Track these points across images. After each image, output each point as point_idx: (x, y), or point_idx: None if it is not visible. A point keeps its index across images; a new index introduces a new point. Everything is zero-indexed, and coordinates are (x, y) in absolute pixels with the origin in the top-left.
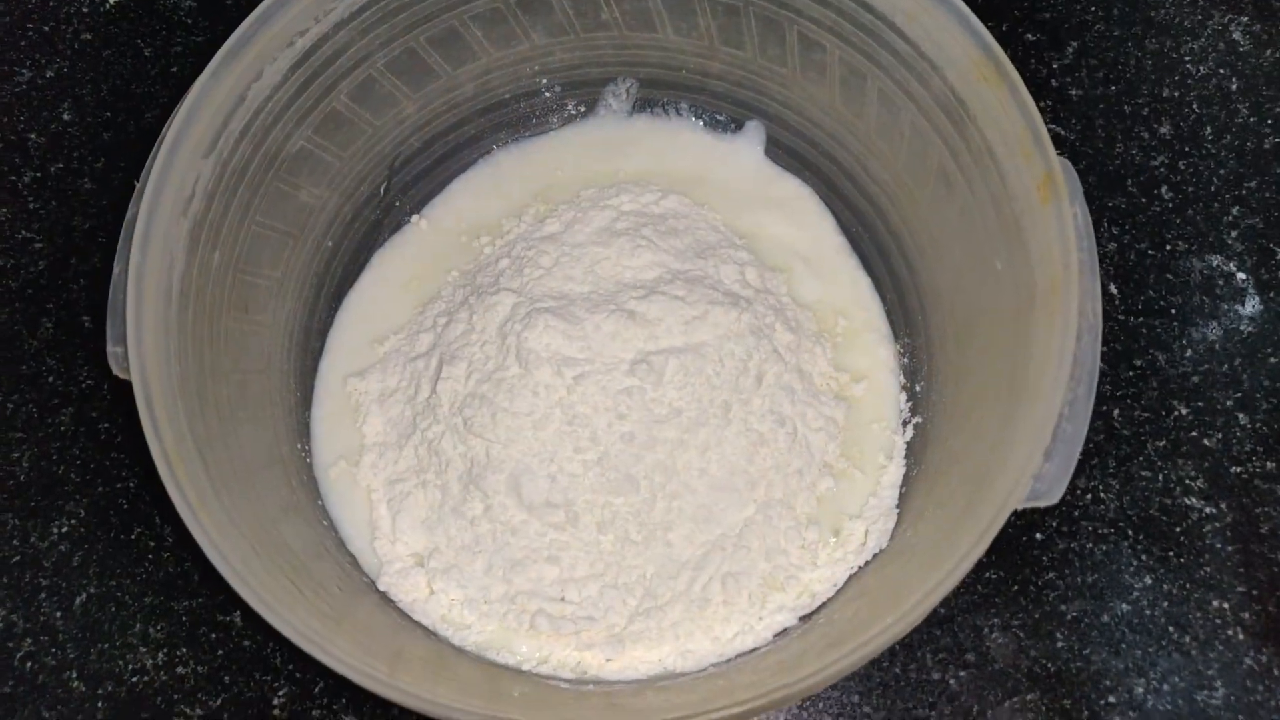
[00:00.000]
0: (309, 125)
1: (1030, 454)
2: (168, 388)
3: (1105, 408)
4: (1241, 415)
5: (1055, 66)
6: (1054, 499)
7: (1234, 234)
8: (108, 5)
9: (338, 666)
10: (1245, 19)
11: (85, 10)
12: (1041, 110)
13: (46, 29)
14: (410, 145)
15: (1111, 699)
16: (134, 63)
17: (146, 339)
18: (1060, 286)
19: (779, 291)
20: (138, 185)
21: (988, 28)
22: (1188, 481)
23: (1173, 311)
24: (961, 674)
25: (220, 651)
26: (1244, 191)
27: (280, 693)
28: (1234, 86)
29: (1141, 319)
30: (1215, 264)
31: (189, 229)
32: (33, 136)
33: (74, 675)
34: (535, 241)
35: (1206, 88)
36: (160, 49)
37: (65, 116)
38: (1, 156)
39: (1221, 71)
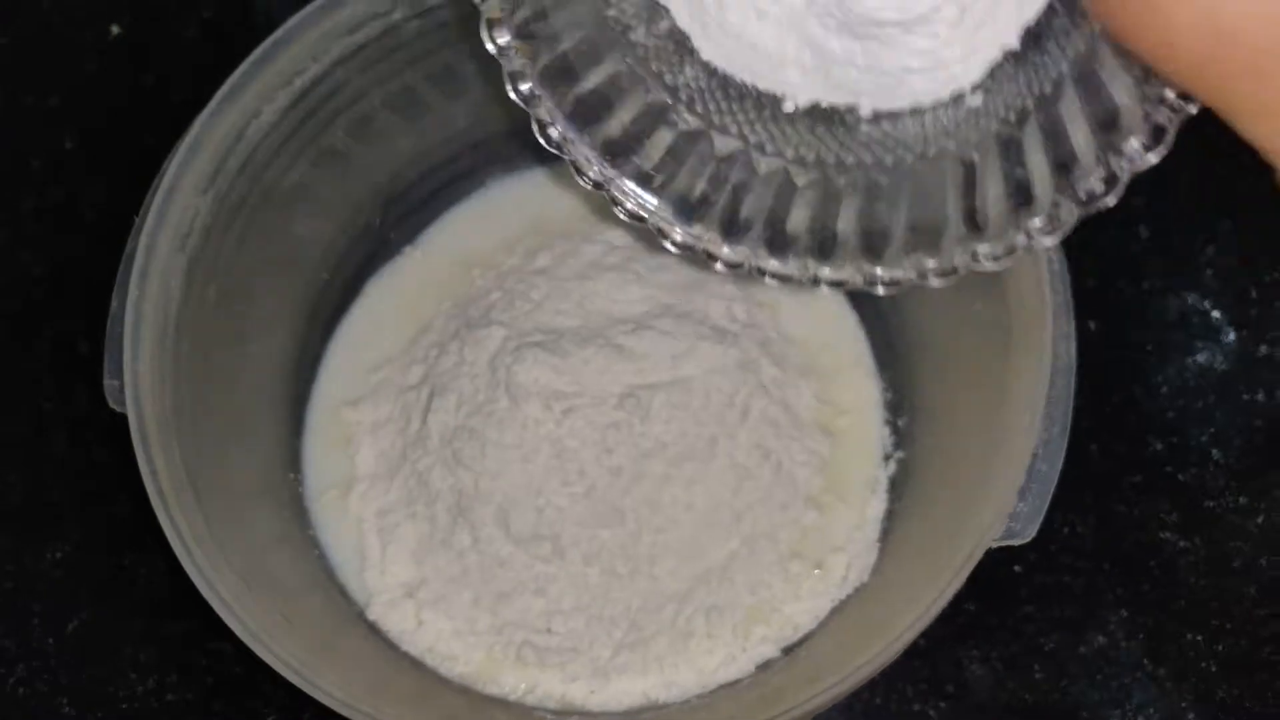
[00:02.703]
0: (306, 160)
1: (1005, 493)
2: (163, 422)
3: (1083, 443)
4: (1215, 451)
5: None
6: (1028, 537)
7: (1210, 272)
8: (111, 35)
9: (328, 701)
10: None
11: (89, 39)
12: None
13: (51, 57)
14: (405, 179)
15: None
16: (136, 92)
17: (142, 374)
18: (1035, 329)
19: (766, 326)
20: (137, 220)
21: None
22: (1163, 516)
23: (1149, 348)
24: (941, 705)
25: (210, 677)
26: (1220, 231)
27: (269, 718)
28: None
29: (1121, 353)
30: (1191, 301)
31: (186, 265)
32: (34, 162)
33: (65, 701)
34: (526, 275)
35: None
36: (162, 79)
37: (67, 144)
38: (3, 182)
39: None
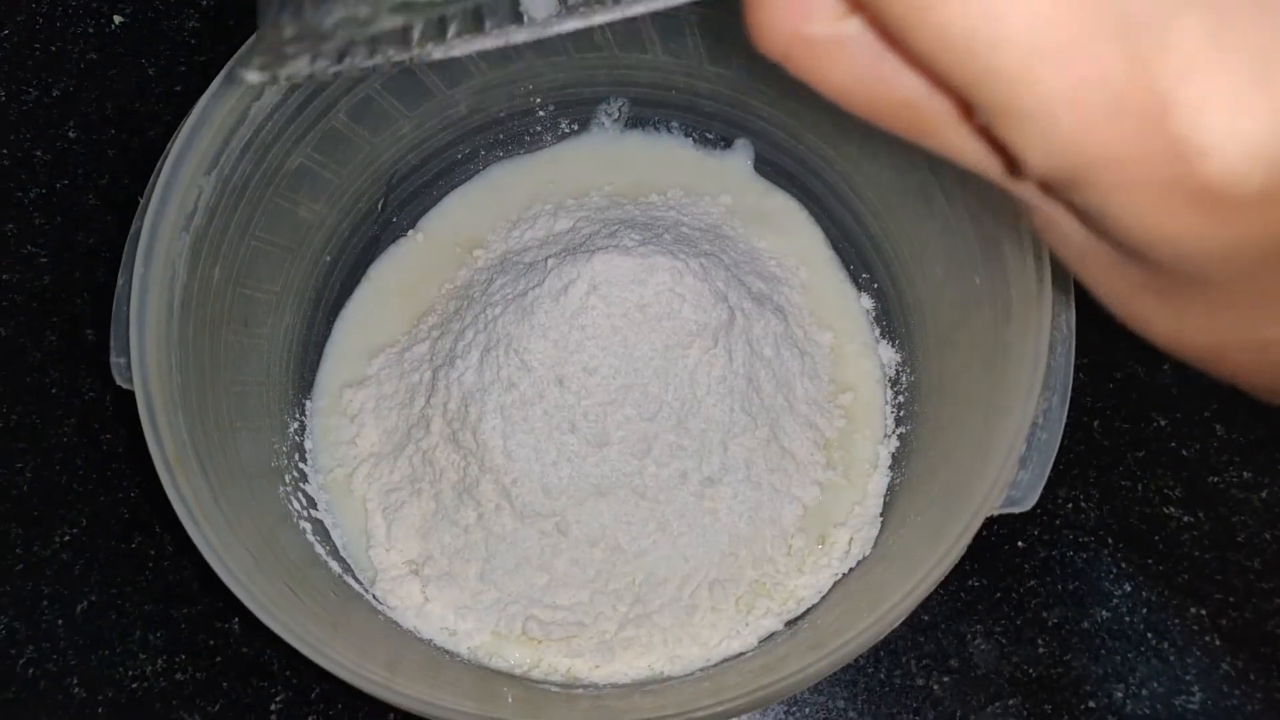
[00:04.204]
0: (308, 143)
1: (1005, 462)
2: (169, 398)
3: (1086, 419)
4: (1218, 426)
5: None
6: (1028, 505)
7: None
8: (113, 26)
9: (337, 670)
10: None
11: (91, 31)
12: None
13: (53, 49)
14: (407, 162)
15: (1091, 704)
16: (138, 82)
17: (149, 350)
18: (1034, 300)
19: (770, 303)
20: (142, 201)
21: None
22: (1166, 491)
23: None
24: (945, 679)
25: (218, 658)
26: None
27: (277, 698)
28: None
29: (1122, 331)
30: None
31: (190, 244)
32: (39, 154)
33: (75, 681)
34: (525, 254)
35: None
36: (164, 68)
37: (71, 134)
38: (8, 173)
39: None
